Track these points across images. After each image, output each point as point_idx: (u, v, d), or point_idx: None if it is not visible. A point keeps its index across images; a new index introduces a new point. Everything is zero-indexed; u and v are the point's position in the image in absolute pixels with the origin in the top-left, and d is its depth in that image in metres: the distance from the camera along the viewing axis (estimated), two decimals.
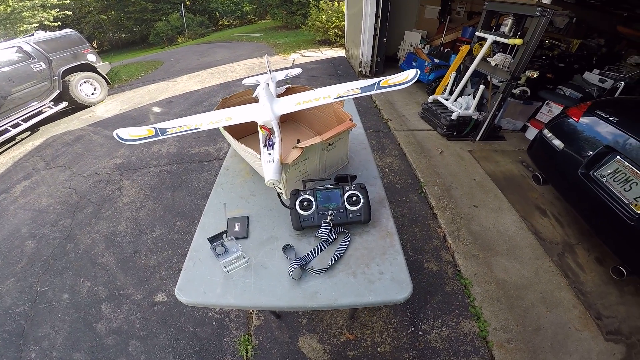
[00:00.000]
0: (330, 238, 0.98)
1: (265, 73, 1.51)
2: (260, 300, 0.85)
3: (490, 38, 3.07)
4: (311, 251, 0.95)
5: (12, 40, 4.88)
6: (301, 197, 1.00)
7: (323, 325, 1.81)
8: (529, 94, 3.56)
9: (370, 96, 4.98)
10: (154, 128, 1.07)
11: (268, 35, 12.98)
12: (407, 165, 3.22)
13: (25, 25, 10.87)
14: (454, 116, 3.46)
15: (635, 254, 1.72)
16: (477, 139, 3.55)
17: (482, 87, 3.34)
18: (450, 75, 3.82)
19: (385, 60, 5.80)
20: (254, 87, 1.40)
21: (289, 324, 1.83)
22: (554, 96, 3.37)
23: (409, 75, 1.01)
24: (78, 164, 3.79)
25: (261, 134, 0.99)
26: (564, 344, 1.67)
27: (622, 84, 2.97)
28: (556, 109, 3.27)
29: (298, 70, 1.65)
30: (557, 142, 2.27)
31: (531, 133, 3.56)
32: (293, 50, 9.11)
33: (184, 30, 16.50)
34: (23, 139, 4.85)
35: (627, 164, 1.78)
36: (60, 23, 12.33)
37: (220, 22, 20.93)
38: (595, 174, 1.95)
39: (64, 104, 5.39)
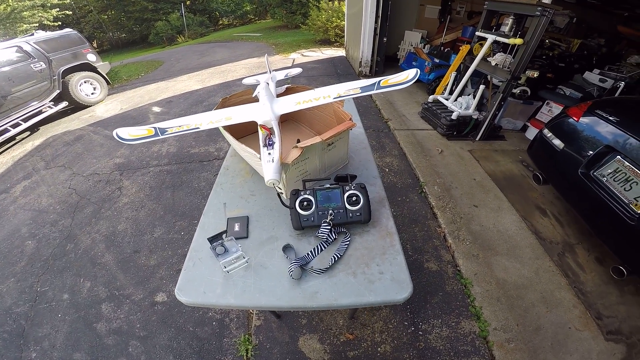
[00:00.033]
0: (330, 238, 0.97)
1: (265, 73, 1.50)
2: (260, 300, 0.85)
3: (491, 38, 3.07)
4: (311, 251, 0.95)
5: (12, 40, 4.87)
6: (301, 197, 1.00)
7: (323, 325, 1.81)
8: (529, 93, 3.55)
9: (370, 96, 4.97)
10: (154, 128, 1.07)
11: (268, 34, 12.98)
12: (407, 165, 3.22)
13: (25, 25, 10.87)
14: (454, 116, 3.46)
15: (635, 254, 1.72)
16: (477, 139, 3.55)
17: (482, 86, 3.34)
18: (451, 75, 3.81)
19: (386, 60, 5.79)
20: (253, 86, 1.40)
21: (289, 324, 1.83)
22: (554, 96, 3.37)
23: (409, 75, 1.01)
24: (78, 164, 3.79)
25: (261, 133, 0.99)
26: (564, 343, 1.67)
27: (622, 84, 2.97)
28: (556, 108, 3.27)
29: (298, 70, 1.65)
30: (557, 142, 2.27)
31: (531, 133, 3.56)
32: (293, 49, 9.11)
33: (184, 30, 16.50)
34: (23, 138, 4.85)
35: (627, 164, 1.78)
36: (60, 23, 12.34)
37: (220, 22, 20.92)
38: (595, 173, 1.95)
39: (63, 104, 5.39)
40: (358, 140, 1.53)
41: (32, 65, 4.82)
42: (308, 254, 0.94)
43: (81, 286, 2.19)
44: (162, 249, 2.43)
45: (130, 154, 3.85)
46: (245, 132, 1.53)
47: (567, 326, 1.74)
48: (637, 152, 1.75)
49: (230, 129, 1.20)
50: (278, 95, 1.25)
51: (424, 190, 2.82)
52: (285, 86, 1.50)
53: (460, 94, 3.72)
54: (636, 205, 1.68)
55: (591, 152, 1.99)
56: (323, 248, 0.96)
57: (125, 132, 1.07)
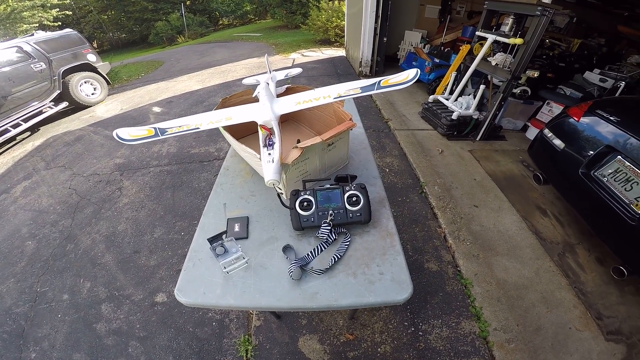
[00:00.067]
0: (330, 238, 0.97)
1: (265, 73, 1.50)
2: (260, 301, 0.85)
3: (491, 37, 3.07)
4: (311, 252, 0.95)
5: (12, 40, 4.87)
6: (301, 198, 1.00)
7: (323, 325, 1.81)
8: (529, 93, 3.55)
9: (371, 96, 4.97)
10: (154, 128, 1.07)
11: (268, 34, 12.98)
12: (408, 165, 3.22)
13: (25, 25, 10.87)
14: (454, 116, 3.45)
15: (636, 254, 1.72)
16: (477, 139, 3.54)
17: (482, 86, 3.33)
18: (451, 75, 3.81)
19: (386, 60, 5.79)
20: (254, 86, 1.40)
21: (289, 324, 1.83)
22: (555, 96, 3.37)
23: (409, 74, 1.01)
24: (78, 164, 3.79)
25: (261, 133, 0.99)
26: (564, 344, 1.67)
27: (622, 84, 2.96)
28: (557, 108, 3.27)
29: (298, 70, 1.64)
30: (557, 142, 2.27)
31: (532, 133, 3.56)
32: (293, 49, 9.10)
33: (184, 30, 16.50)
34: (23, 139, 4.85)
35: (628, 164, 1.78)
36: (60, 23, 12.34)
37: (220, 22, 20.92)
38: (595, 173, 1.95)
39: (64, 104, 5.38)
40: (358, 140, 1.53)
41: (32, 65, 4.82)
42: (308, 254, 0.94)
43: (81, 286, 2.19)
44: (162, 249, 2.43)
45: (131, 154, 3.85)
46: (246, 132, 1.53)
47: (568, 326, 1.74)
48: (637, 152, 1.75)
49: (231, 129, 1.20)
50: (278, 95, 1.24)
51: (424, 190, 2.82)
52: (286, 86, 1.50)
53: (461, 94, 3.72)
54: (637, 205, 1.68)
55: (592, 152, 1.99)
56: (323, 248, 0.96)
57: (125, 133, 1.06)
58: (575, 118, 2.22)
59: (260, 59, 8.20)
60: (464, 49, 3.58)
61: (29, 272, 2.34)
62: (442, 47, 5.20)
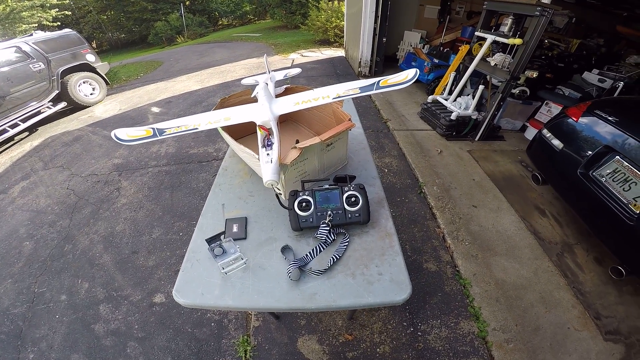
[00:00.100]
0: (329, 239, 0.97)
1: (265, 73, 1.50)
2: (259, 301, 0.84)
3: (490, 38, 3.07)
4: (310, 252, 0.95)
5: (11, 40, 4.86)
6: (300, 198, 1.00)
7: (322, 326, 1.81)
8: (528, 93, 3.56)
9: (370, 96, 4.97)
10: (152, 128, 1.07)
11: (267, 35, 12.98)
12: (406, 166, 3.22)
13: (24, 25, 10.84)
14: (453, 116, 3.46)
15: (634, 254, 1.72)
16: (476, 139, 3.55)
17: (481, 87, 3.34)
18: (450, 75, 3.82)
19: (385, 60, 5.79)
20: (252, 87, 1.40)
21: (287, 324, 1.82)
22: (553, 96, 3.37)
23: (409, 75, 1.01)
24: (76, 165, 3.78)
25: (260, 134, 0.98)
26: (563, 344, 1.67)
27: (621, 84, 2.97)
28: (555, 108, 3.27)
29: (297, 70, 1.65)
30: (556, 142, 2.27)
31: (530, 133, 3.56)
32: (292, 50, 9.11)
33: (184, 30, 16.48)
34: (21, 139, 4.84)
35: (626, 164, 1.78)
36: (59, 23, 12.31)
37: (220, 22, 20.90)
38: (594, 173, 1.95)
39: (62, 104, 5.38)
40: (357, 140, 1.53)
41: (31, 65, 4.81)
42: (307, 255, 0.94)
43: (79, 287, 2.18)
44: (160, 249, 2.42)
45: (129, 155, 3.84)
46: (244, 132, 1.52)
47: (566, 326, 1.74)
48: (636, 152, 1.75)
49: (229, 129, 1.20)
50: (277, 96, 1.24)
51: (423, 190, 2.82)
52: (285, 86, 1.49)
53: (460, 94, 3.72)
54: (635, 205, 1.68)
55: (590, 152, 1.99)
56: (322, 249, 0.96)
57: (124, 133, 1.06)
58: (573, 118, 2.22)
59: (259, 59, 8.19)
60: (463, 49, 3.59)
61: (26, 272, 2.33)
62: (442, 48, 5.21)
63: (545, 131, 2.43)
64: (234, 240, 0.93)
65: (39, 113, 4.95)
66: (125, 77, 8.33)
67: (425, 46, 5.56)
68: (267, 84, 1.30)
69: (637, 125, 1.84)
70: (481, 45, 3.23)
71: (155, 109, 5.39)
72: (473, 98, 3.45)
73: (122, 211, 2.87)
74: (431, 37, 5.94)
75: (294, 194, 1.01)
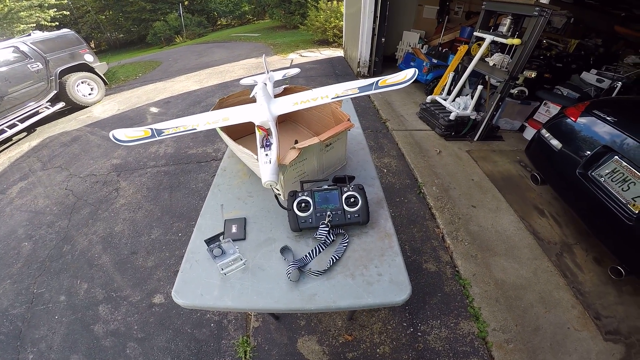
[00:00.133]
0: (329, 240, 0.97)
1: (263, 73, 1.50)
2: (258, 302, 0.84)
3: (489, 38, 3.07)
4: (309, 253, 0.94)
5: (9, 40, 4.84)
6: (299, 199, 0.99)
7: (322, 326, 1.80)
8: (526, 94, 3.56)
9: (369, 96, 4.98)
10: (151, 129, 1.07)
11: (266, 35, 12.97)
12: (406, 166, 3.22)
13: (22, 25, 10.82)
14: (452, 116, 3.46)
15: (633, 254, 1.73)
16: (475, 139, 3.55)
17: (480, 87, 3.34)
18: (449, 76, 3.82)
19: (384, 60, 5.79)
20: (251, 87, 1.39)
21: (287, 325, 1.82)
22: (552, 96, 3.38)
23: (407, 74, 1.01)
24: (75, 165, 3.77)
25: (258, 134, 0.98)
26: (563, 344, 1.67)
27: (619, 84, 2.98)
28: (554, 109, 3.28)
29: (296, 70, 1.64)
30: (555, 142, 2.28)
31: (529, 133, 3.57)
32: (291, 50, 9.10)
33: (182, 30, 16.46)
34: (20, 139, 4.82)
35: (625, 164, 1.79)
36: (57, 23, 12.28)
37: (219, 22, 20.88)
38: (593, 174, 1.96)
39: (61, 105, 5.36)
40: (356, 141, 1.53)
41: (29, 65, 4.79)
42: (306, 255, 0.94)
43: (78, 288, 2.18)
44: (159, 250, 2.41)
45: (128, 155, 3.83)
46: (243, 133, 1.52)
47: (566, 326, 1.75)
48: (634, 152, 1.76)
49: (228, 129, 1.20)
50: (276, 96, 1.24)
51: (422, 190, 2.82)
52: (283, 86, 1.49)
53: (458, 95, 3.72)
54: (634, 205, 1.69)
55: (589, 153, 1.99)
56: (321, 250, 0.96)
57: (122, 134, 1.06)
58: (572, 118, 2.22)
59: (258, 59, 8.19)
60: (462, 49, 3.59)
61: (25, 273, 2.32)
62: (440, 48, 5.21)
63: (544, 131, 2.43)
64: (233, 241, 0.92)
65: (37, 113, 4.94)
66: (124, 77, 8.31)
67: (424, 46, 5.56)
68: (265, 84, 1.30)
69: (635, 125, 1.85)
70: (480, 45, 3.23)
71: (153, 109, 5.38)
72: (472, 98, 3.46)
73: (120, 212, 2.87)
74: (430, 37, 5.94)
75: (293, 195, 1.01)
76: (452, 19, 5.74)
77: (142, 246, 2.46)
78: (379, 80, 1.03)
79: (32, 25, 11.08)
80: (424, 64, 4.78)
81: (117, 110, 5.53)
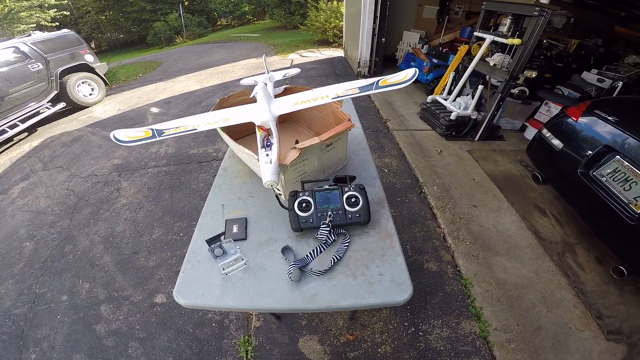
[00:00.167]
0: (330, 239, 0.97)
1: (264, 73, 1.50)
2: (259, 302, 0.84)
3: (489, 38, 3.07)
4: (310, 253, 0.94)
5: (9, 41, 4.85)
6: (300, 199, 0.99)
7: (323, 326, 1.80)
8: (527, 93, 3.56)
9: (369, 96, 4.97)
10: (151, 129, 1.07)
11: (266, 35, 12.97)
12: (406, 166, 3.22)
13: (22, 26, 10.84)
14: (452, 116, 3.46)
15: (635, 254, 1.72)
16: (476, 139, 3.55)
17: (480, 87, 3.34)
18: (449, 75, 3.82)
19: (384, 60, 5.79)
20: (251, 87, 1.39)
21: (288, 325, 1.82)
22: (553, 96, 3.37)
23: (408, 74, 1.01)
24: (76, 165, 3.78)
25: (259, 134, 0.98)
26: (564, 343, 1.67)
27: (620, 84, 2.97)
28: (555, 108, 3.27)
29: (296, 70, 1.64)
30: (556, 142, 2.27)
31: (530, 133, 3.56)
32: (291, 50, 9.10)
33: (182, 31, 16.47)
34: (21, 140, 4.83)
35: (627, 164, 1.78)
36: (57, 23, 12.31)
37: (219, 23, 20.90)
38: (594, 173, 1.95)
39: (61, 105, 5.37)
40: (357, 140, 1.53)
41: (29, 66, 4.80)
42: (307, 255, 0.94)
43: (80, 287, 2.18)
44: (160, 250, 2.42)
45: (129, 155, 3.84)
46: (244, 133, 1.52)
47: (568, 326, 1.74)
48: (636, 151, 1.75)
49: (228, 130, 1.20)
50: (276, 96, 1.24)
51: (423, 190, 2.82)
52: (284, 86, 1.49)
53: (459, 94, 3.72)
54: (636, 205, 1.68)
55: (590, 152, 1.99)
56: (322, 250, 0.96)
57: (123, 134, 1.06)
58: (573, 118, 2.22)
59: (258, 60, 8.19)
60: (462, 49, 3.59)
61: (27, 273, 2.33)
62: (441, 48, 5.21)
63: (545, 131, 2.43)
64: (234, 241, 0.92)
65: (38, 113, 4.95)
66: (124, 77, 8.33)
67: (424, 46, 5.56)
68: (266, 84, 1.30)
69: (636, 125, 1.84)
70: (480, 45, 3.23)
71: (154, 110, 5.39)
72: (472, 98, 3.45)
73: (122, 212, 2.87)
74: (430, 37, 5.94)
75: (293, 195, 1.01)
76: (452, 19, 5.73)
77: (144, 246, 2.47)
78: (379, 80, 1.03)
79: (33, 25, 11.11)
80: (425, 64, 4.78)
81: (117, 111, 5.54)
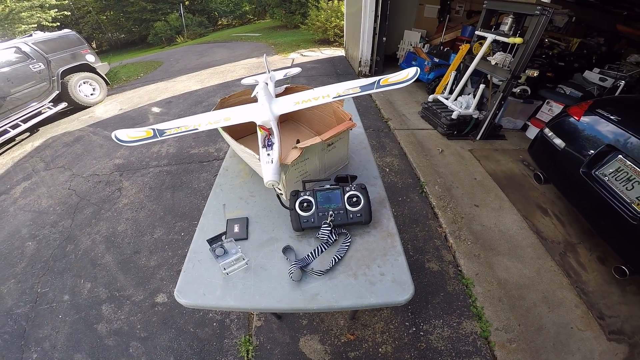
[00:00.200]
0: (331, 239, 0.97)
1: (264, 73, 1.50)
2: (260, 302, 0.84)
3: (490, 37, 3.06)
4: (311, 252, 0.94)
5: (10, 41, 4.86)
6: (301, 198, 0.99)
7: (324, 326, 1.80)
8: (529, 92, 3.55)
9: (370, 95, 4.97)
10: (153, 129, 1.07)
11: (267, 35, 12.97)
12: (408, 165, 3.21)
13: (23, 26, 10.88)
14: (454, 115, 3.45)
15: (637, 253, 1.72)
16: (477, 138, 3.54)
17: (482, 86, 3.33)
18: (450, 75, 3.81)
19: (385, 60, 5.78)
20: (252, 86, 1.39)
21: (289, 324, 1.82)
22: (555, 95, 3.36)
23: (409, 73, 1.00)
24: (78, 165, 3.79)
25: (260, 134, 0.98)
26: (566, 343, 1.66)
27: (622, 83, 2.96)
28: (557, 107, 3.26)
29: (297, 70, 1.64)
30: (558, 141, 2.26)
31: (532, 132, 3.55)
32: (292, 49, 9.10)
33: (183, 30, 16.49)
34: (22, 140, 4.84)
35: (629, 163, 1.78)
36: (58, 23, 12.35)
37: (219, 22, 20.91)
38: (596, 173, 1.95)
39: (63, 105, 5.38)
40: (358, 140, 1.52)
41: (30, 66, 4.81)
42: (308, 255, 0.94)
43: (82, 287, 2.19)
44: (162, 249, 2.42)
45: (130, 155, 3.85)
46: (245, 132, 1.52)
47: (569, 326, 1.74)
48: (638, 151, 1.75)
49: (229, 129, 1.20)
50: (277, 95, 1.24)
51: (425, 190, 2.81)
52: (285, 86, 1.49)
53: (460, 94, 3.71)
54: (638, 204, 1.68)
55: (592, 152, 1.98)
56: (323, 249, 0.95)
57: (124, 134, 1.06)
58: (575, 117, 2.21)
59: (259, 59, 8.19)
60: (464, 48, 3.58)
61: (29, 272, 2.34)
62: (442, 47, 5.20)
63: (547, 130, 2.42)
64: (235, 240, 0.92)
65: (39, 113, 4.96)
66: (125, 77, 8.34)
67: (426, 45, 5.55)
68: (267, 83, 1.29)
69: (639, 124, 1.84)
70: (481, 44, 3.22)
71: (155, 109, 5.40)
72: (474, 97, 3.44)
73: (123, 211, 2.88)
74: (431, 36, 5.93)
75: (295, 194, 1.00)
76: (453, 18, 5.72)
77: (145, 246, 2.47)
78: (380, 79, 1.02)
79: (34, 25, 11.14)
80: (426, 63, 4.77)
81: (119, 111, 5.55)
